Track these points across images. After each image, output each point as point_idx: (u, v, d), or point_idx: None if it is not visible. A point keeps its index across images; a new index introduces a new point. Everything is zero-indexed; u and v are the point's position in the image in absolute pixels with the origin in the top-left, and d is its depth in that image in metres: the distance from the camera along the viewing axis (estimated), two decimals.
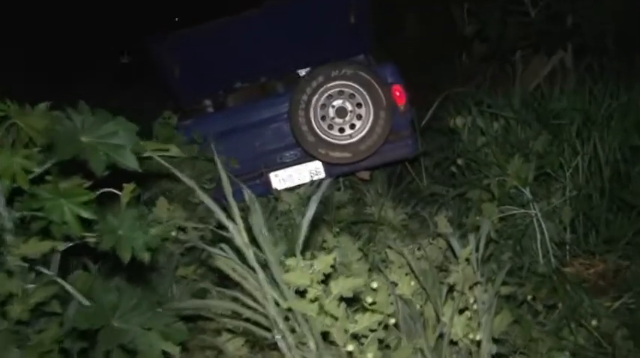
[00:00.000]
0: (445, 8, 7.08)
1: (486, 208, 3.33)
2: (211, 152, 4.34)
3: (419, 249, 2.80)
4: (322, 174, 4.42)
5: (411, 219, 4.47)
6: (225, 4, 5.03)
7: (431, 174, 4.94)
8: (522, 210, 3.25)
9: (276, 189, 4.33)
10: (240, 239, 2.21)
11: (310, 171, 4.43)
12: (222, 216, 2.22)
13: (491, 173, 3.62)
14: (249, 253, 2.20)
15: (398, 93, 4.30)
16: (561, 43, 4.80)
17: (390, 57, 7.46)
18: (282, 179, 4.46)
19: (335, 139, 4.10)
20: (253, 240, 2.26)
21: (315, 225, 4.01)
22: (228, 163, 4.38)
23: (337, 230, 3.61)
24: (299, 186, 4.41)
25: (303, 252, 2.21)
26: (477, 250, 2.53)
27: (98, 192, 2.03)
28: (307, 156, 4.25)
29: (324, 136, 4.08)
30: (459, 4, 6.25)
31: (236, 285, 2.30)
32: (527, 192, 3.30)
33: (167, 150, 2.36)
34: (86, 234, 2.00)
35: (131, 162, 1.85)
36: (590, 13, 4.66)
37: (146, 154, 2.24)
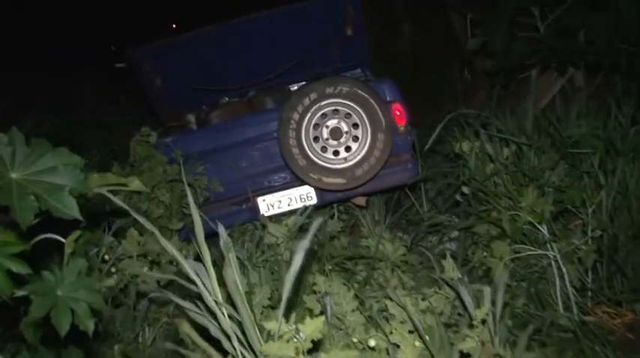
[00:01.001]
0: (446, 19, 6.74)
1: (497, 247, 2.96)
2: (194, 172, 4.07)
3: (423, 299, 2.42)
4: (314, 200, 4.04)
5: (410, 252, 4.10)
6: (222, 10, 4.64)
7: (432, 201, 4.57)
8: (539, 251, 2.88)
9: (263, 216, 3.95)
10: (211, 298, 1.82)
11: (301, 196, 4.05)
12: (188, 269, 1.83)
13: (501, 205, 3.25)
14: (222, 316, 1.81)
15: (398, 113, 3.94)
16: (573, 60, 4.45)
17: (387, 72, 7.19)
18: (270, 204, 4.09)
19: (328, 163, 3.72)
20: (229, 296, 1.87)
21: (305, 260, 3.64)
22: (211, 186, 4.03)
23: (329, 267, 3.23)
24: (289, 213, 4.06)
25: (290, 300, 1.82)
26: (492, 304, 2.17)
27: (35, 240, 1.64)
28: (298, 180, 3.87)
29: (316, 159, 3.71)
30: (462, 15, 5.91)
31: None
32: (544, 229, 2.94)
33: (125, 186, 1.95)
34: (20, 293, 1.60)
35: (69, 208, 1.46)
36: (603, 29, 4.31)
37: (99, 190, 1.86)
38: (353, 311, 2.45)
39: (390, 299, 2.34)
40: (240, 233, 4.05)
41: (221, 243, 2.00)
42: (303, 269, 3.02)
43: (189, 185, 3.94)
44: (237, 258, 3.27)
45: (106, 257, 3.05)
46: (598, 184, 2.96)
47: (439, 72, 6.96)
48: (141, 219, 1.79)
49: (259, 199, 4.08)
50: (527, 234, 3.07)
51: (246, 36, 4.39)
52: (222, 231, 2.12)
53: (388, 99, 3.93)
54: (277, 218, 4.00)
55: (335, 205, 4.34)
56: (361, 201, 4.19)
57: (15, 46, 8.82)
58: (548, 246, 2.87)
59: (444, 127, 4.16)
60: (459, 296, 2.37)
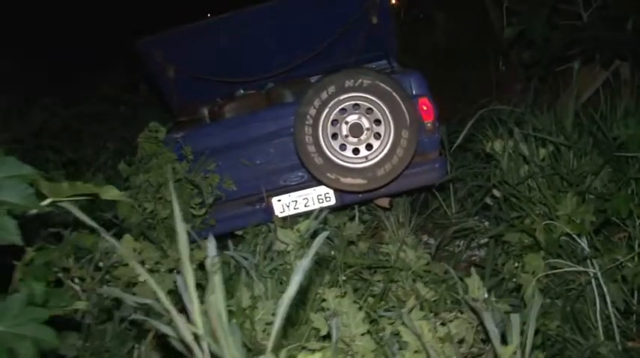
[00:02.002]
0: (481, 6, 6.35)
1: (531, 261, 2.65)
2: (206, 169, 3.85)
3: (443, 324, 2.14)
4: (333, 201, 3.78)
5: (436, 258, 3.81)
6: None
7: (461, 202, 4.27)
8: (577, 267, 2.56)
9: (277, 217, 3.70)
10: (187, 330, 1.57)
11: (319, 197, 3.79)
12: (162, 296, 1.59)
13: (535, 212, 2.93)
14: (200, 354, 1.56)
15: (425, 108, 3.63)
16: (619, 51, 4.05)
17: (416, 63, 6.85)
18: (285, 205, 3.84)
19: (348, 162, 3.44)
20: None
21: (318, 266, 3.39)
22: (223, 184, 3.80)
23: (344, 278, 2.97)
24: (306, 214, 3.81)
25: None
26: (521, 334, 1.88)
27: None
28: (315, 180, 3.61)
29: (334, 158, 3.43)
30: (497, 3, 5.52)
31: None
32: (583, 242, 2.61)
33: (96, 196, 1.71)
34: None
35: (6, 231, 1.23)
36: None
37: (61, 202, 1.63)
38: (362, 335, 2.18)
39: (404, 324, 2.07)
40: (254, 235, 3.82)
41: (208, 263, 1.75)
42: (312, 281, 2.78)
43: (194, 185, 3.73)
44: (243, 267, 3.05)
45: (101, 264, 2.86)
46: None
47: (473, 63, 6.59)
48: (103, 232, 1.54)
49: (274, 199, 3.83)
50: (564, 246, 2.75)
51: (265, 24, 4.13)
52: (211, 244, 1.88)
53: (414, 93, 3.63)
54: (293, 219, 3.76)
55: (356, 206, 4.07)
56: (384, 202, 3.91)
57: (31, 35, 8.75)
58: (588, 261, 2.54)
59: (475, 124, 3.85)
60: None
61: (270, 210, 3.83)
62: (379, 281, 3.07)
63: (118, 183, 4.15)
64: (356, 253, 3.55)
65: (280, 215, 3.81)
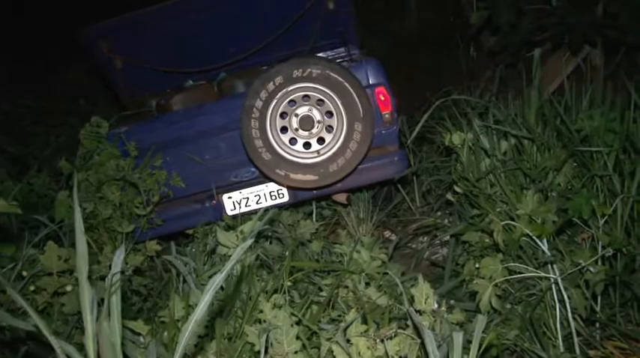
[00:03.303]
0: None
1: (487, 264, 2.44)
2: (153, 166, 3.60)
3: (382, 340, 1.93)
4: (286, 198, 3.56)
5: (396, 255, 3.61)
6: None
7: (425, 195, 4.06)
8: (537, 273, 2.36)
9: (227, 216, 3.47)
10: None
11: (272, 193, 3.57)
12: (42, 328, 1.35)
13: (495, 211, 2.73)
14: None
15: (382, 98, 3.41)
16: (589, 37, 3.85)
17: (387, 50, 6.60)
18: (236, 202, 3.61)
19: (298, 157, 3.21)
20: None
21: (262, 268, 3.16)
22: (171, 181, 3.56)
23: (289, 283, 2.74)
24: (258, 211, 3.58)
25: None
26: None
27: None
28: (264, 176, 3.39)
29: (283, 153, 3.20)
30: None
31: None
32: (544, 245, 2.41)
33: None
34: None
35: None
36: (627, 2, 3.71)
37: None
38: (295, 353, 1.97)
39: (337, 343, 1.85)
40: (205, 234, 3.58)
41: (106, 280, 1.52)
42: (253, 287, 2.56)
43: (133, 184, 3.49)
44: (178, 274, 2.82)
45: (24, 273, 2.61)
46: (612, 191, 2.41)
47: (445, 50, 6.36)
48: None
49: (224, 196, 3.60)
50: (524, 247, 2.55)
51: (216, 10, 3.86)
52: (117, 258, 1.66)
53: (370, 82, 3.40)
54: (246, 217, 3.54)
55: (314, 202, 3.86)
56: (342, 198, 3.69)
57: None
58: (550, 266, 2.34)
59: (438, 114, 3.64)
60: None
61: (220, 207, 3.60)
62: (329, 285, 2.85)
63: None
64: (309, 254, 3.33)
65: (231, 213, 3.58)
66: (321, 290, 2.84)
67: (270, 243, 3.41)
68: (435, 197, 3.81)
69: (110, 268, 1.61)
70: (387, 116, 3.41)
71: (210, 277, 2.73)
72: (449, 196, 3.26)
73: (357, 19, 4.10)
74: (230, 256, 2.77)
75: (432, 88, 4.94)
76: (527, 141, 2.83)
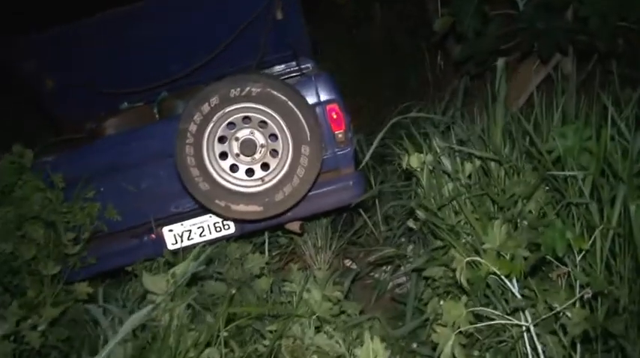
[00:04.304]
0: None
1: (449, 309, 2.11)
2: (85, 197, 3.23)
3: None
4: (232, 230, 3.21)
5: (355, 288, 3.27)
6: None
7: (388, 220, 3.73)
8: (506, 319, 2.03)
9: (168, 251, 3.11)
10: None
11: (216, 224, 3.22)
12: None
13: (460, 243, 2.40)
14: None
15: (334, 116, 3.08)
16: (560, 44, 3.56)
17: (352, 61, 6.29)
18: (178, 235, 3.25)
19: (240, 186, 2.87)
20: None
21: (207, 311, 2.80)
22: (105, 214, 3.19)
23: (226, 333, 2.37)
24: (203, 244, 3.22)
25: None
26: None
27: None
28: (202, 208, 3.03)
29: (223, 182, 2.85)
30: None
31: None
32: (514, 286, 2.08)
33: None
34: None
35: None
36: (597, 5, 3.42)
37: None
38: None
39: None
40: (145, 269, 3.21)
41: None
42: (184, 339, 2.20)
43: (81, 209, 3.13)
44: (97, 323, 2.44)
45: None
46: (590, 222, 2.09)
47: (411, 60, 6.06)
48: None
49: (165, 229, 3.24)
50: (492, 286, 2.22)
51: (154, 23, 3.51)
52: None
53: (321, 98, 3.07)
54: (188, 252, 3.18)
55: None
56: (295, 226, 3.34)
57: None
58: (520, 312, 2.02)
59: (397, 131, 3.32)
60: None
61: (160, 241, 3.23)
62: (274, 332, 2.49)
63: None
64: (257, 292, 2.97)
65: (172, 247, 3.23)
66: (264, 338, 2.49)
67: (216, 280, 3.06)
68: (399, 222, 3.48)
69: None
70: (340, 136, 3.08)
71: (133, 330, 2.36)
72: (410, 224, 2.93)
73: (311, 30, 3.79)
74: (159, 304, 2.42)
75: (398, 101, 4.64)
76: (494, 163, 2.50)
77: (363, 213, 3.75)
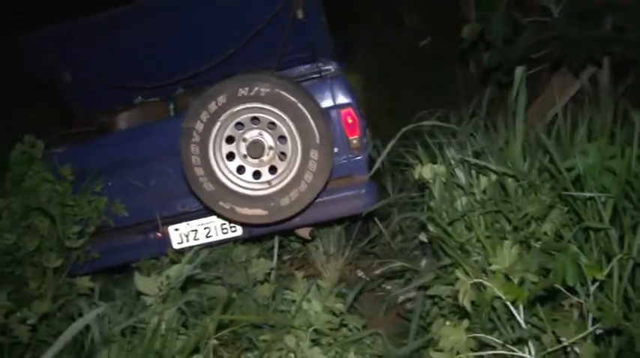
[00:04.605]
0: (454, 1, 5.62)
1: (447, 334, 1.97)
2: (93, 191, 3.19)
3: None
4: (239, 232, 3.13)
5: (360, 305, 3.14)
6: None
7: (404, 231, 3.59)
8: (507, 349, 1.88)
9: (171, 250, 3.05)
10: None
11: (223, 226, 3.14)
12: None
13: (470, 261, 2.26)
14: None
15: (350, 121, 2.97)
16: (592, 55, 3.35)
17: (382, 65, 6.14)
18: (184, 235, 3.18)
19: (246, 188, 2.78)
20: None
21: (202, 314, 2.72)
22: (112, 208, 3.15)
23: (215, 342, 2.28)
24: (208, 246, 3.16)
25: None
26: None
27: None
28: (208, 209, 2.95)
29: (229, 183, 2.76)
30: None
31: None
32: (520, 313, 1.93)
33: None
34: None
35: None
36: (635, 13, 3.22)
37: None
38: None
39: None
40: (151, 267, 3.16)
41: None
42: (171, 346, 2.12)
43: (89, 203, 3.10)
44: (88, 327, 2.38)
45: None
46: (608, 249, 1.92)
47: (441, 64, 5.88)
48: None
49: (171, 228, 3.18)
50: (498, 311, 2.08)
51: (172, 19, 3.46)
52: None
53: (336, 102, 2.96)
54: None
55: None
56: (305, 232, 3.24)
57: None
58: (525, 344, 1.87)
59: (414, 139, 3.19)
60: None
61: (166, 240, 3.18)
62: (266, 341, 2.40)
63: None
64: (258, 298, 2.87)
65: (178, 246, 3.17)
66: (257, 348, 2.40)
67: (220, 284, 2.98)
68: (413, 233, 3.34)
69: None
70: (354, 141, 2.97)
71: (122, 331, 2.30)
72: (422, 237, 2.79)
73: (341, 31, 3.67)
74: (151, 307, 2.35)
75: (424, 107, 4.49)
76: (510, 178, 2.35)
77: (378, 221, 3.61)
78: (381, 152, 3.41)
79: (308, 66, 3.75)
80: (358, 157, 2.99)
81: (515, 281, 1.98)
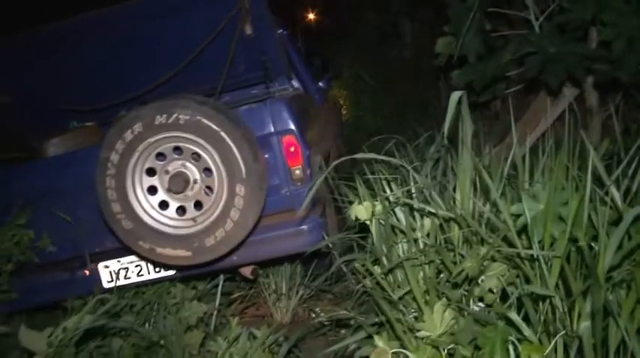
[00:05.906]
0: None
1: None
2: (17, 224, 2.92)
3: None
4: (173, 271, 2.81)
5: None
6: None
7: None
8: None
9: (101, 289, 2.77)
10: None
11: (156, 265, 2.83)
12: None
13: (405, 321, 1.93)
14: None
15: (292, 149, 2.66)
16: (572, 73, 2.98)
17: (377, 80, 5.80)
18: (114, 272, 2.89)
19: (168, 226, 2.48)
20: None
21: None
22: (39, 243, 2.88)
23: None
24: (141, 285, 2.87)
25: None
26: None
27: None
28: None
29: (149, 220, 2.47)
30: None
31: None
32: None
33: None
34: None
35: None
36: (622, 27, 2.85)
37: None
38: None
39: None
40: (81, 305, 2.87)
41: None
42: None
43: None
44: None
45: None
46: (550, 321, 1.57)
47: (430, 82, 5.54)
48: None
49: (100, 265, 2.89)
50: None
51: (111, 37, 3.20)
52: None
53: (276, 128, 2.65)
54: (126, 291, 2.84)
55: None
56: (247, 271, 2.92)
57: None
58: None
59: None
60: None
61: (95, 278, 2.89)
62: None
63: None
64: (186, 347, 2.56)
65: (107, 285, 2.87)
66: None
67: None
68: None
69: None
70: (297, 172, 2.66)
71: None
72: (367, 282, 2.46)
73: (326, 46, 3.38)
74: None
75: (412, 126, 4.14)
76: (454, 223, 2.01)
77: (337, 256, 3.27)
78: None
79: (265, 86, 3.46)
80: (301, 189, 2.67)
81: (443, 354, 1.65)
